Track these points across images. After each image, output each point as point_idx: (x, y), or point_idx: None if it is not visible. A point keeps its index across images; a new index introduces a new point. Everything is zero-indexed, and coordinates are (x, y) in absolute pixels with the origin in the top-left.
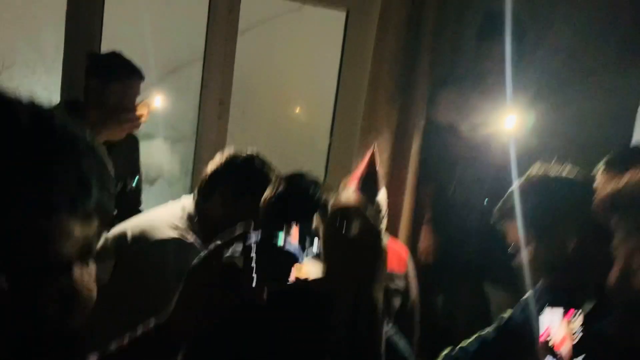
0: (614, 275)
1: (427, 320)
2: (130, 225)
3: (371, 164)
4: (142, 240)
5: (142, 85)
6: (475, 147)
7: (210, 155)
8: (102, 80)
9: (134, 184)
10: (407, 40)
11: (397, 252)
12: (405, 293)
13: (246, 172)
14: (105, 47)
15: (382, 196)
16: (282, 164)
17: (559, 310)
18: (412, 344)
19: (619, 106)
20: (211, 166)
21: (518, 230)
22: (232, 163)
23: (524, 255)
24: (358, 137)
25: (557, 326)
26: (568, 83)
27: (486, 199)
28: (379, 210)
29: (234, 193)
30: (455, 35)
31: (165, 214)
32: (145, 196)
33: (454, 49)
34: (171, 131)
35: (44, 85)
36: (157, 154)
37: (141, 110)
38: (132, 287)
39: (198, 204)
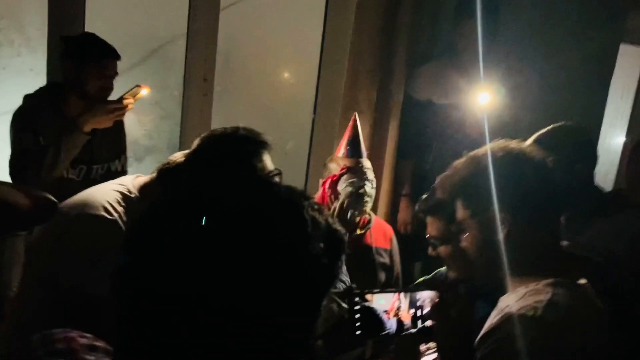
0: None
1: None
2: (67, 201)
3: (354, 130)
4: (70, 213)
5: (126, 65)
6: (452, 123)
7: (196, 132)
8: (77, 62)
9: (120, 165)
10: (385, 19)
11: (382, 230)
12: (390, 267)
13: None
14: (89, 26)
15: (367, 162)
16: None
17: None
18: None
19: (592, 76)
20: (179, 157)
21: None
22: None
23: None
24: (339, 113)
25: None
26: (539, 56)
27: None
28: (366, 173)
29: None
30: (433, 13)
31: (103, 192)
32: (134, 173)
33: (431, 28)
34: (157, 109)
35: (30, 67)
36: (143, 132)
37: (127, 100)
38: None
39: (153, 181)
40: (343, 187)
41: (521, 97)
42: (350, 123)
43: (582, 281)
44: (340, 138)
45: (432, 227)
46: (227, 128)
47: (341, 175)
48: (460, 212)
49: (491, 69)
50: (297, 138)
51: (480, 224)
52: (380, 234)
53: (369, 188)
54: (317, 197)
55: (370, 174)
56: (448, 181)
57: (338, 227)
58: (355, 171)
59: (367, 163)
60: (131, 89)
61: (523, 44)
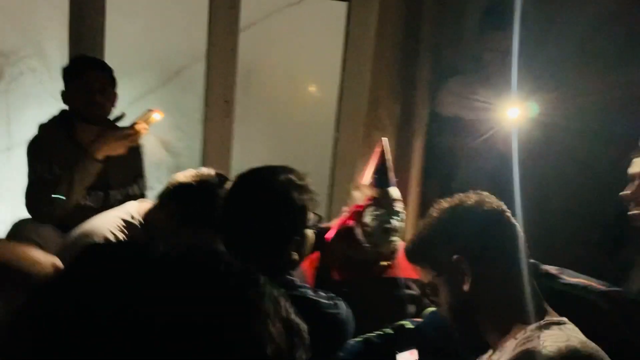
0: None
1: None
2: (72, 232)
3: (382, 157)
4: (78, 243)
5: (146, 88)
6: (480, 139)
7: (218, 154)
8: (66, 85)
9: (139, 189)
10: (408, 33)
11: None
12: (419, 299)
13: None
14: (109, 52)
15: (396, 191)
16: (287, 161)
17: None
18: None
19: (628, 97)
20: (180, 178)
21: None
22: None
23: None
24: (362, 132)
25: None
26: (574, 74)
27: None
28: (394, 205)
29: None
30: (457, 26)
31: (106, 220)
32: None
33: (455, 41)
34: (178, 132)
35: (51, 93)
36: (165, 156)
37: (140, 125)
38: None
39: (155, 207)
40: (368, 220)
41: (555, 114)
42: (378, 149)
43: (565, 320)
44: (363, 156)
45: (422, 275)
46: (275, 171)
47: (366, 206)
48: (428, 275)
49: (521, 84)
50: (319, 158)
51: (446, 280)
52: (408, 264)
53: (397, 222)
54: (337, 223)
55: (399, 205)
56: (410, 248)
57: (298, 320)
58: (381, 204)
59: (395, 192)
60: (143, 114)
61: (560, 59)
